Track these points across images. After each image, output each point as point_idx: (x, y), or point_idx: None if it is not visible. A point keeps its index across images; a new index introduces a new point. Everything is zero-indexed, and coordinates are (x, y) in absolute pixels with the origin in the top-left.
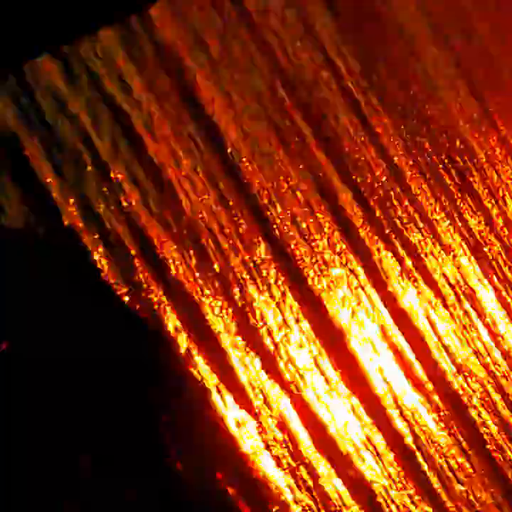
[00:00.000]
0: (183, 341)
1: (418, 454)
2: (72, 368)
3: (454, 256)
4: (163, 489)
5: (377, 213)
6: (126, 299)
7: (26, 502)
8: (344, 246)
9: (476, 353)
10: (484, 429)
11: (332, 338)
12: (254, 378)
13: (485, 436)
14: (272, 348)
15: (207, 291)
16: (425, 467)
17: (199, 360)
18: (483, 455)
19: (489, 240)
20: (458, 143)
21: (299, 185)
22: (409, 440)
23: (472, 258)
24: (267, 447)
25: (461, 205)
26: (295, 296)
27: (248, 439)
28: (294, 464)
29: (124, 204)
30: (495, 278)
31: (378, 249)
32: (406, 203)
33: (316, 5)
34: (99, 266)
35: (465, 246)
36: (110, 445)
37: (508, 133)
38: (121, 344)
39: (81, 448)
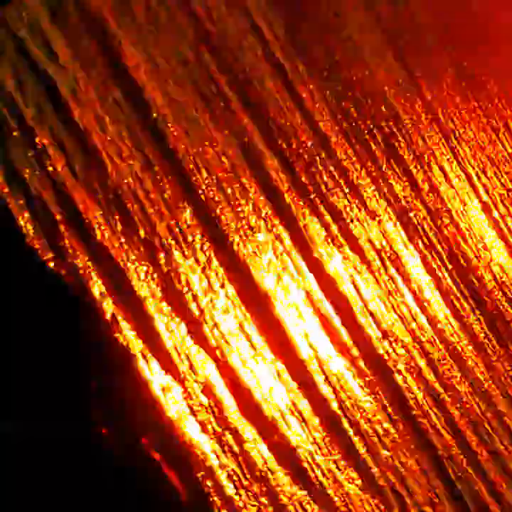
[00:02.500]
0: (108, 307)
1: (343, 419)
2: None
3: (379, 221)
4: (89, 454)
5: (303, 178)
6: (52, 264)
7: None
8: (270, 211)
9: (402, 318)
10: (409, 394)
11: (257, 304)
12: (179, 343)
13: (410, 402)
14: (197, 313)
15: (132, 257)
16: (351, 432)
17: (124, 325)
18: (408, 420)
19: (414, 205)
20: (383, 109)
21: (225, 150)
22: (334, 405)
23: (397, 223)
24: (193, 412)
25: (387, 170)
26: (220, 261)
27: (174, 404)
28: (219, 430)
29: (50, 169)
30: (420, 243)
31: (303, 215)
32: (331, 168)
33: None
34: (24, 231)
35: (390, 211)
36: (34, 410)
37: (433, 99)
38: (47, 310)
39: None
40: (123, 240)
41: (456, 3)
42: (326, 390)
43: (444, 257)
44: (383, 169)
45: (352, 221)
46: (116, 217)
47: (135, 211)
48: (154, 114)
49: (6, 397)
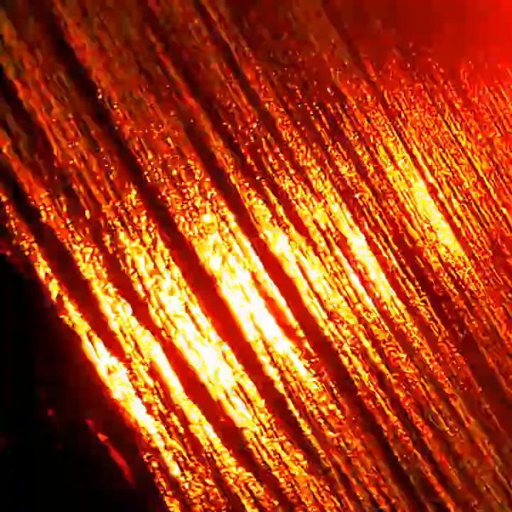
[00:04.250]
0: (53, 288)
1: (289, 400)
2: None
3: (325, 203)
4: (33, 437)
5: (249, 160)
6: None
7: None
8: (215, 193)
9: (347, 299)
10: (354, 375)
11: (203, 285)
12: (125, 325)
13: (355, 383)
14: (142, 294)
15: (78, 238)
16: (296, 414)
17: (70, 307)
18: (353, 401)
19: (359, 186)
20: (329, 89)
21: (170, 131)
22: (280, 386)
23: (342, 204)
24: (138, 394)
25: (332, 152)
26: (166, 242)
27: (119, 385)
28: (164, 411)
29: None
30: (365, 224)
31: (249, 196)
32: (277, 149)
33: None
34: None
35: (336, 192)
36: None
37: (378, 80)
38: None
39: None
40: (68, 221)
41: None
42: (271, 372)
43: (390, 238)
44: (328, 150)
45: (297, 203)
46: (62, 198)
47: (81, 192)
48: (100, 96)
49: None
